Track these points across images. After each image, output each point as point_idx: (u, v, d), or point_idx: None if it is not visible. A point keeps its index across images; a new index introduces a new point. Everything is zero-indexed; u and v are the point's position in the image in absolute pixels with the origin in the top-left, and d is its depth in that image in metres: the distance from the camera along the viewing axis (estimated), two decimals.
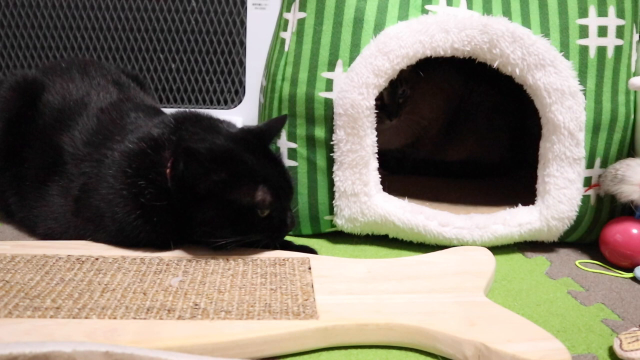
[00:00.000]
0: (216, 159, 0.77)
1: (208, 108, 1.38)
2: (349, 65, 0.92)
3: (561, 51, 0.90)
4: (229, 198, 0.78)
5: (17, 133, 0.94)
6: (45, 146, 0.92)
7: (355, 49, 0.92)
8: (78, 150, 0.89)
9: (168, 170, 0.81)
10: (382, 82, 0.91)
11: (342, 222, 0.96)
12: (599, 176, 0.94)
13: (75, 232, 0.86)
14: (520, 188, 1.08)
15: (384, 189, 0.97)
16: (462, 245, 0.92)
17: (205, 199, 0.78)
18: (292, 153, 0.98)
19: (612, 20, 0.91)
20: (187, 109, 0.93)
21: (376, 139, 0.94)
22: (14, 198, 0.95)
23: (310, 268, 0.79)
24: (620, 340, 0.66)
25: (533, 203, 0.96)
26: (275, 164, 0.85)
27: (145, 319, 0.65)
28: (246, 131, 0.88)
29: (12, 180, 0.95)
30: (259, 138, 0.86)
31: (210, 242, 0.81)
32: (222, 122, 0.89)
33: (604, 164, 0.95)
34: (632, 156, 0.94)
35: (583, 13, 0.91)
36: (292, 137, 0.98)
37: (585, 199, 0.95)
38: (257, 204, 0.80)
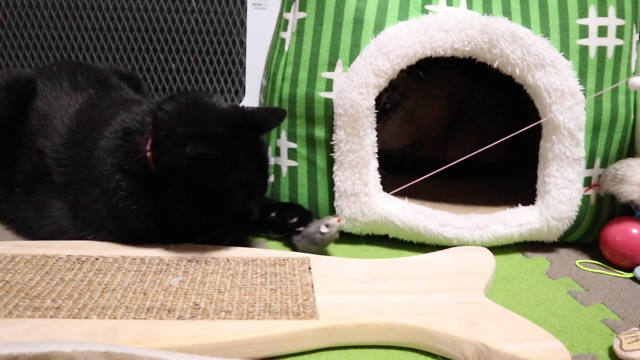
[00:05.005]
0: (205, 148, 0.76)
1: None
2: (349, 65, 0.92)
3: (561, 51, 0.90)
4: (207, 184, 0.78)
5: (6, 136, 0.93)
6: (30, 152, 0.91)
7: (355, 49, 0.92)
8: (60, 154, 0.88)
9: (149, 154, 0.80)
10: (382, 82, 0.91)
11: (342, 222, 0.96)
12: (599, 176, 0.94)
13: (76, 232, 0.87)
14: (520, 188, 1.08)
15: (384, 189, 0.97)
16: (462, 245, 0.92)
17: (186, 185, 0.78)
18: (292, 153, 0.98)
19: (612, 20, 0.91)
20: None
21: (376, 139, 0.94)
22: (5, 205, 0.95)
23: (310, 268, 0.79)
24: (620, 340, 0.66)
25: (533, 203, 0.96)
26: (258, 157, 0.83)
27: (145, 319, 0.65)
28: (239, 113, 0.83)
29: (1, 185, 0.94)
30: (251, 125, 0.82)
31: (178, 229, 0.82)
32: (212, 96, 0.86)
33: (604, 164, 0.95)
34: (632, 156, 0.94)
35: (583, 13, 0.91)
36: (292, 137, 0.98)
37: (585, 199, 0.95)
38: (233, 198, 0.80)
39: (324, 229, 0.88)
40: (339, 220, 0.89)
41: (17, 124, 0.94)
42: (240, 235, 0.85)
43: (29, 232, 0.91)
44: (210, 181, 0.78)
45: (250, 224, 0.85)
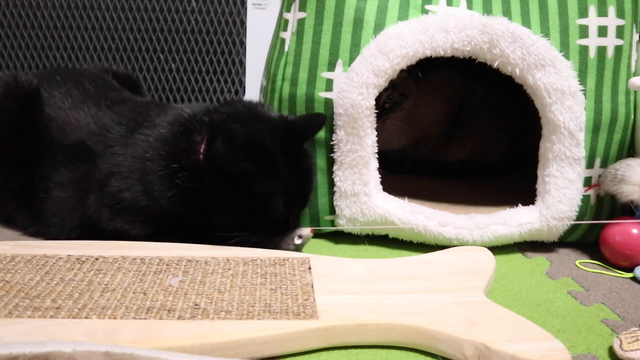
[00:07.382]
0: (250, 147, 0.80)
1: None
2: (349, 65, 0.92)
3: (561, 51, 0.90)
4: (249, 189, 0.81)
5: (17, 144, 0.93)
6: (58, 154, 0.91)
7: (355, 49, 0.92)
8: (105, 143, 0.89)
9: (202, 156, 0.83)
10: (382, 82, 0.91)
11: (343, 222, 0.96)
12: (599, 176, 0.94)
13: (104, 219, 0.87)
14: (520, 188, 1.08)
15: (384, 189, 0.97)
16: (462, 245, 0.92)
17: (228, 182, 0.81)
18: None
19: (612, 20, 0.91)
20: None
21: (376, 138, 0.94)
22: (20, 212, 0.94)
23: (310, 268, 0.79)
24: (620, 340, 0.66)
25: (533, 203, 0.96)
26: (301, 167, 0.86)
27: (145, 319, 0.65)
28: (286, 123, 0.87)
29: (15, 193, 0.93)
30: (296, 134, 0.86)
31: (219, 230, 0.84)
32: (263, 105, 0.90)
33: (604, 164, 0.95)
34: (632, 156, 0.94)
35: (583, 13, 0.91)
36: None
37: (585, 199, 0.95)
38: (270, 205, 0.82)
39: (297, 241, 0.90)
40: (312, 231, 0.90)
41: (28, 132, 0.93)
42: (266, 243, 0.86)
43: (52, 234, 0.91)
44: (248, 182, 0.81)
45: (284, 233, 0.87)
